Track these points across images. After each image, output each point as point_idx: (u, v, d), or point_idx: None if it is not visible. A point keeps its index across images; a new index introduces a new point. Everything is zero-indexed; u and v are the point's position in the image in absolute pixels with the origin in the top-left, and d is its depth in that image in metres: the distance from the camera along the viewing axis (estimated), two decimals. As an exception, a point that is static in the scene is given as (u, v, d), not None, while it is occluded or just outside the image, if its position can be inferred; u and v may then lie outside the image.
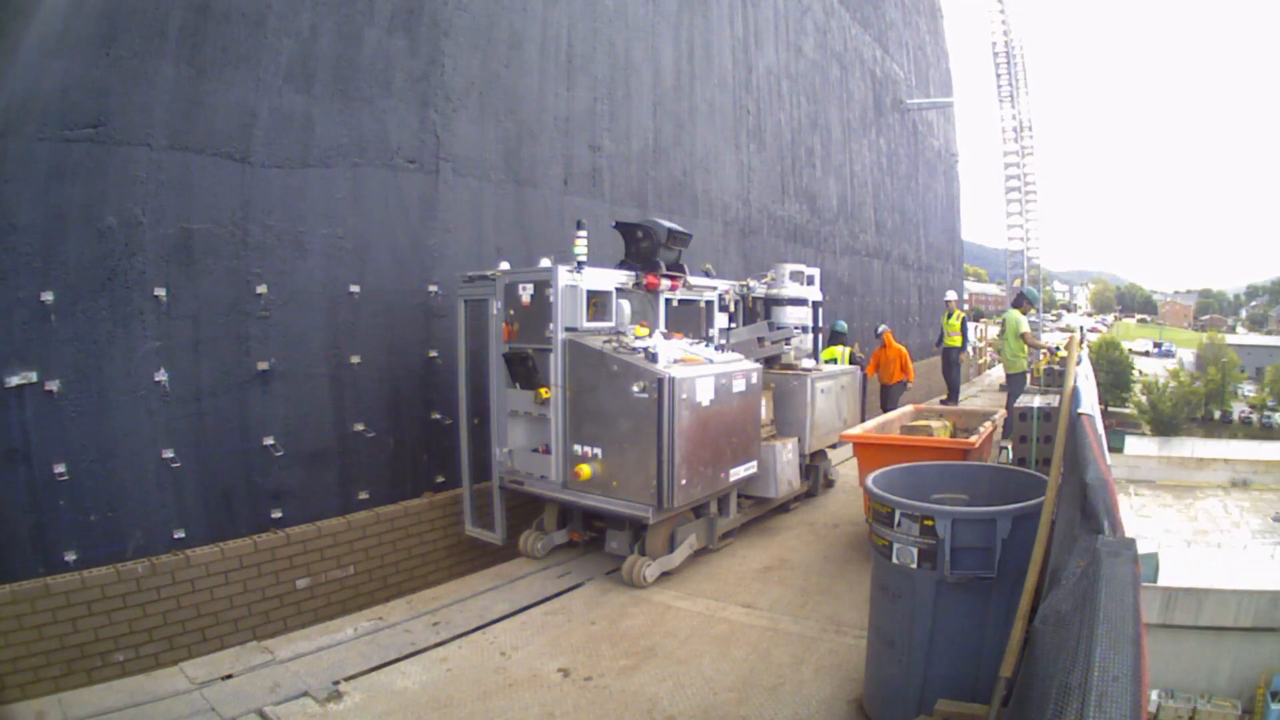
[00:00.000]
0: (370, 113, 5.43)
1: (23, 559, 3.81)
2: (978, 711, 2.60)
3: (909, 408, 7.11)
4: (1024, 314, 9.96)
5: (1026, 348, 9.69)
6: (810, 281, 7.37)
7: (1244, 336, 73.53)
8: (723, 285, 6.46)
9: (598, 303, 5.10)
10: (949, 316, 12.16)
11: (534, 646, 3.91)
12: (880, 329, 11.20)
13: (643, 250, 5.59)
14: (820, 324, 7.59)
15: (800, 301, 7.00)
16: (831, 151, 13.72)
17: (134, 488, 4.20)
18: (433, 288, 5.91)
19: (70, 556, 3.94)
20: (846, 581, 4.80)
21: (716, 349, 5.63)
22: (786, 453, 5.96)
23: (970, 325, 17.37)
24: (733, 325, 6.52)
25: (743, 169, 10.53)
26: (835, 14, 13.90)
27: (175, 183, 4.35)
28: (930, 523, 2.77)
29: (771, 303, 6.91)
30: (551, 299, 4.79)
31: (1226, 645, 12.07)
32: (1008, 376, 10.10)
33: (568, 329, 4.83)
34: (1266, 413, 51.74)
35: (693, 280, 5.90)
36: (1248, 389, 56.50)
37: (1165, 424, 42.33)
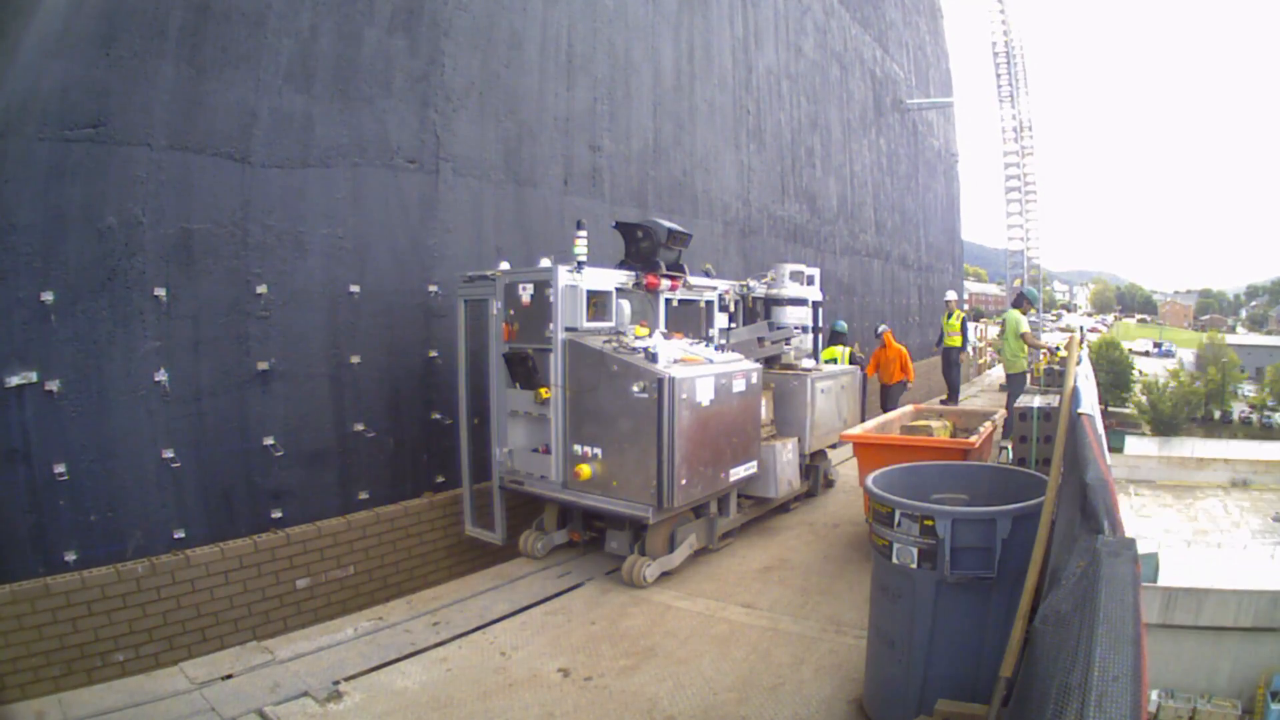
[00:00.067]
0: (370, 113, 5.43)
1: (23, 559, 3.81)
2: (978, 711, 2.60)
3: (909, 408, 7.11)
4: (1024, 314, 9.97)
5: (1026, 348, 9.70)
6: (810, 281, 7.38)
7: (1244, 336, 73.52)
8: (723, 285, 6.46)
9: (598, 303, 5.10)
10: (949, 316, 12.17)
11: (534, 646, 3.91)
12: (880, 329, 11.20)
13: (643, 250, 5.59)
14: (820, 324, 7.60)
15: (800, 301, 7.01)
16: (831, 151, 13.72)
17: (134, 488, 4.20)
18: (433, 288, 5.91)
19: (70, 556, 3.94)
20: (846, 581, 4.80)
21: (716, 349, 5.63)
22: (786, 453, 5.96)
23: (970, 325, 17.39)
24: (733, 325, 6.52)
25: (743, 169, 10.53)
26: (835, 14, 13.90)
27: (175, 183, 4.35)
28: (930, 523, 2.77)
29: (771, 303, 6.92)
30: (551, 299, 4.80)
31: (1226, 645, 12.07)
32: (1008, 376, 10.11)
33: (568, 329, 4.83)
34: (1266, 413, 51.74)
35: (693, 280, 5.90)
36: (1248, 389, 56.50)
37: (1165, 424, 42.33)
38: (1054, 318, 79.08)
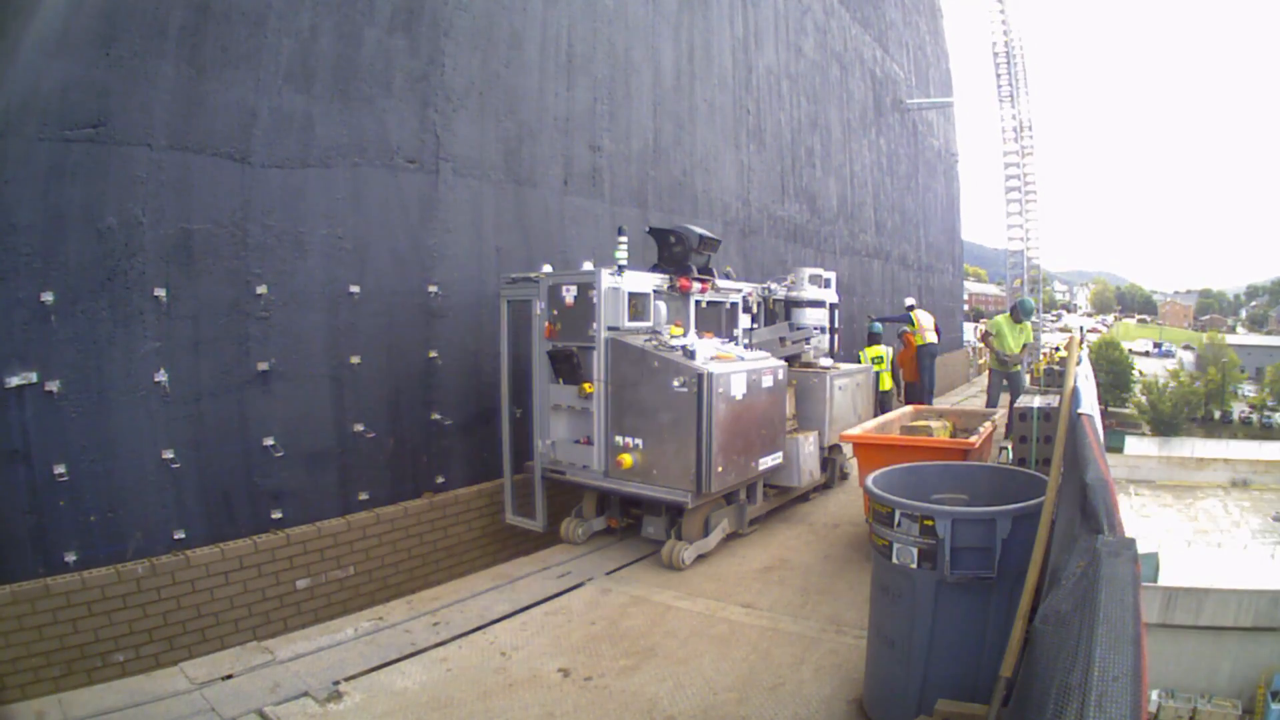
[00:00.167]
0: (370, 113, 5.43)
1: (23, 559, 3.80)
2: (978, 711, 2.60)
3: (909, 408, 7.14)
4: (1015, 322, 9.97)
5: (988, 349, 9.95)
6: (827, 285, 7.70)
7: (1244, 336, 73.50)
8: (746, 287, 6.80)
9: (636, 303, 5.42)
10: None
11: (534, 646, 3.91)
12: (902, 329, 11.45)
13: (675, 254, 5.97)
14: (838, 325, 7.91)
15: (818, 304, 7.41)
16: (831, 151, 13.71)
17: (134, 488, 4.20)
18: (433, 288, 5.91)
19: (70, 557, 3.93)
20: (846, 581, 4.80)
21: (745, 348, 5.96)
22: (808, 445, 6.28)
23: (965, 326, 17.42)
24: (754, 325, 6.87)
25: (743, 169, 10.53)
26: (835, 14, 13.90)
27: (175, 183, 4.34)
28: (930, 523, 2.77)
29: (791, 304, 7.35)
30: (595, 300, 5.16)
31: (1226, 645, 12.05)
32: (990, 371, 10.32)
33: (610, 328, 5.19)
34: (1266, 413, 51.76)
35: (720, 283, 6.22)
36: (1248, 389, 56.51)
37: (1165, 424, 42.34)
38: (1054, 318, 79.10)
